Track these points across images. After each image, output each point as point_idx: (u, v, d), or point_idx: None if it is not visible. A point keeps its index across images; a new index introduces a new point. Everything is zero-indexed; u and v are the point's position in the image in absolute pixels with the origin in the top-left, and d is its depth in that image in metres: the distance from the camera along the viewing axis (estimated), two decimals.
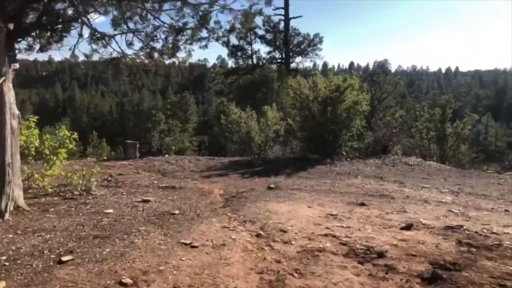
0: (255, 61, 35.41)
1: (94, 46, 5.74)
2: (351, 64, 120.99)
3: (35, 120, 6.40)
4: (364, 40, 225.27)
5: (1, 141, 4.59)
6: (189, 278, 3.10)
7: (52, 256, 3.47)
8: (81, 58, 6.13)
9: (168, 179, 8.55)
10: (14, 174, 4.89)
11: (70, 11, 5.45)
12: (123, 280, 3.00)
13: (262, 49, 41.78)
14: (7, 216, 4.57)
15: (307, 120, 11.80)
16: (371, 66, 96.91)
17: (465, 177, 9.75)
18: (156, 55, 5.90)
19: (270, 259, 3.55)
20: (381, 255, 3.61)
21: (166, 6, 5.60)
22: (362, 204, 5.79)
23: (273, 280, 3.12)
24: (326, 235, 4.22)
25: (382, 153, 12.50)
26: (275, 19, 33.71)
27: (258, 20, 28.20)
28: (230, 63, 39.23)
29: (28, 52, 5.77)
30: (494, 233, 4.32)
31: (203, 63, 71.56)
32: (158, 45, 5.89)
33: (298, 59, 36.14)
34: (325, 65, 57.31)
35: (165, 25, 5.69)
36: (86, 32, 5.60)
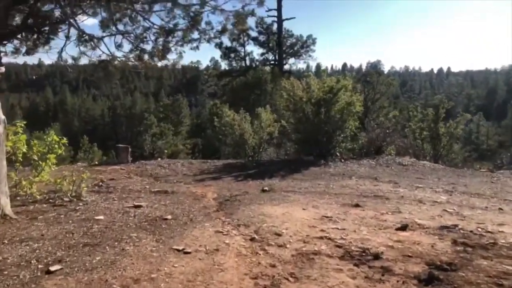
0: (248, 63, 35.53)
1: (82, 49, 5.62)
2: (344, 65, 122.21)
3: (23, 125, 6.24)
4: (356, 40, 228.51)
5: None
6: (182, 286, 3.01)
7: (40, 266, 3.34)
8: (69, 61, 6.02)
9: (161, 183, 8.43)
10: (1, 181, 4.75)
11: (57, 13, 5.33)
12: None
13: (255, 51, 42.12)
14: None
15: (301, 122, 11.79)
16: (364, 67, 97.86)
17: (459, 176, 9.81)
18: (146, 57, 5.81)
19: (264, 263, 3.47)
20: (377, 256, 3.57)
21: (156, 7, 5.52)
22: (357, 205, 5.75)
23: (268, 285, 3.05)
24: (321, 237, 4.16)
25: (376, 153, 12.54)
26: (268, 20, 33.93)
27: (251, 22, 28.20)
28: (223, 65, 39.33)
29: (14, 55, 5.65)
30: (489, 232, 4.32)
31: (196, 65, 71.33)
32: (148, 47, 5.78)
33: (292, 60, 36.43)
34: (318, 66, 57.90)
35: (155, 26, 5.60)
36: (73, 34, 5.49)
